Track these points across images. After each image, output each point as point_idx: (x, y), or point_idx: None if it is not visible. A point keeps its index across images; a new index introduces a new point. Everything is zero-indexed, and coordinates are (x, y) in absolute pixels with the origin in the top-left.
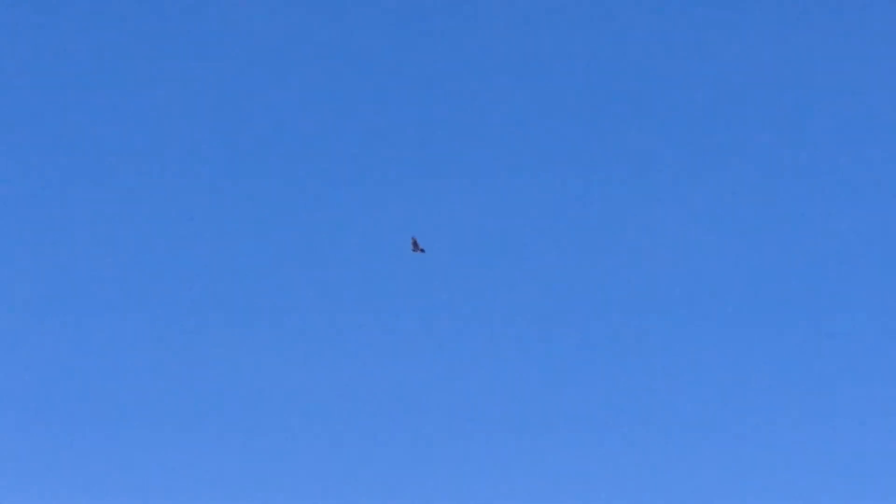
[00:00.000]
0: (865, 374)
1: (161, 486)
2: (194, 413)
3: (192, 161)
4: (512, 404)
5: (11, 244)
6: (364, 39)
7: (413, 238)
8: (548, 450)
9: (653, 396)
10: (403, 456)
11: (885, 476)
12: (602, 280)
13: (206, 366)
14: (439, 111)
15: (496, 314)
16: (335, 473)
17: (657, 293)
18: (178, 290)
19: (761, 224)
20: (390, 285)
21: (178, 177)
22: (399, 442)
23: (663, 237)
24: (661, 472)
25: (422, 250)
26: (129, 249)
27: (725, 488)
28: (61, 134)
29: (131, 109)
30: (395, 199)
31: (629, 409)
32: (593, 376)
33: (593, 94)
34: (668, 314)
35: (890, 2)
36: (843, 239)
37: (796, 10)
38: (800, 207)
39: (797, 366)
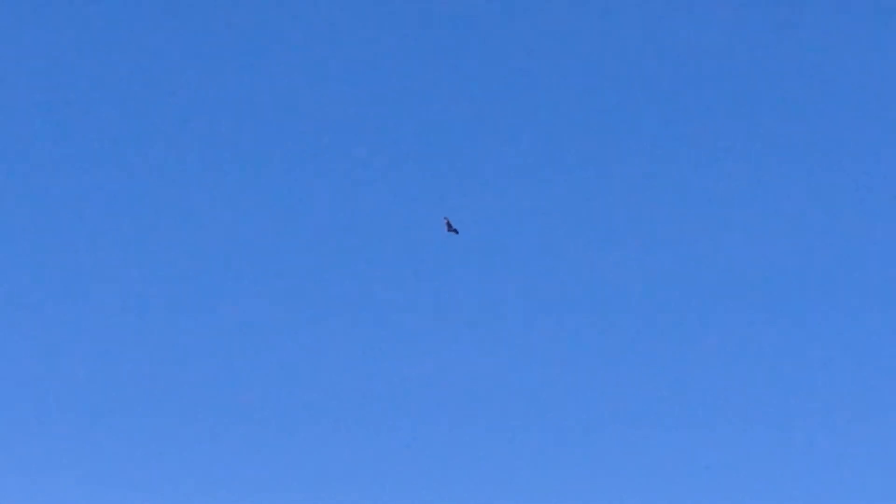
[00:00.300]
0: (873, 373)
1: (160, 487)
2: (196, 413)
3: (209, 161)
4: (526, 403)
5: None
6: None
7: (446, 218)
8: (549, 450)
9: (659, 395)
10: (404, 456)
11: (884, 477)
12: (607, 278)
13: (211, 364)
14: (446, 112)
15: (508, 312)
16: (339, 475)
17: (664, 290)
18: (179, 288)
19: (767, 222)
20: (400, 281)
21: (185, 177)
22: (402, 440)
23: (666, 234)
24: (660, 471)
25: (455, 231)
26: (134, 249)
27: (726, 489)
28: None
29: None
30: (400, 200)
31: (638, 407)
32: (595, 376)
33: (602, 94)
34: (673, 311)
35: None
36: (850, 236)
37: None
38: (806, 207)
39: (802, 364)
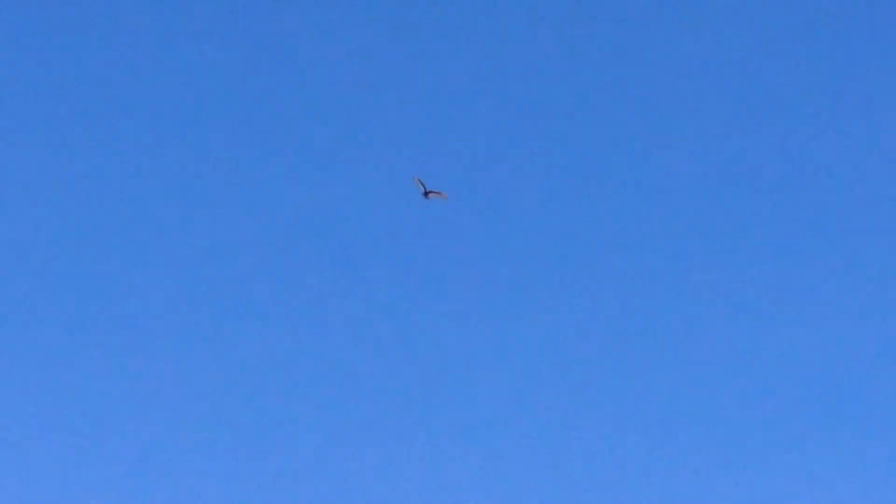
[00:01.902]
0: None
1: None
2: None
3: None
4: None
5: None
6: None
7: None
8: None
9: (660, 395)
10: (403, 456)
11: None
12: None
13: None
14: (445, 111)
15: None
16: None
17: (664, 291)
18: (177, 288)
19: (769, 219)
20: (398, 281)
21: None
22: (402, 441)
23: (665, 234)
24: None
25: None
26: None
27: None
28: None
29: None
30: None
31: (637, 407)
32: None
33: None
34: (676, 311)
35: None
36: (849, 230)
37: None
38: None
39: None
